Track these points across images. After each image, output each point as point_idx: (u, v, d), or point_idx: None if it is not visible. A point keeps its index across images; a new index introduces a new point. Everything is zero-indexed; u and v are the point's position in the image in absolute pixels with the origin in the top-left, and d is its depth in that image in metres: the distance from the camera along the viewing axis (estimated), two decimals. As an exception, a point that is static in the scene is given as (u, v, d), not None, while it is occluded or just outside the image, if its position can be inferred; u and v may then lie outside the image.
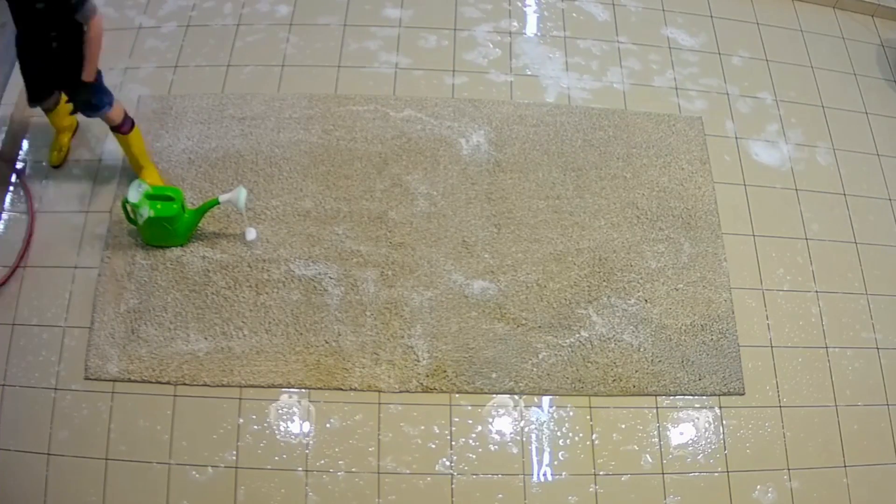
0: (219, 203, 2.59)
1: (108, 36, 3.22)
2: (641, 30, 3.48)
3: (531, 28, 3.40)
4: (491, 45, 3.32)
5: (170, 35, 3.24)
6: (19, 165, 2.90)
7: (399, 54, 3.23)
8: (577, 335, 2.70)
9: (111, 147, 2.93)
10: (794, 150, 3.22)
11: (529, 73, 3.26)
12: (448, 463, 2.48)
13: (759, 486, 2.55)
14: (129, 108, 3.01)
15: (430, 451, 2.49)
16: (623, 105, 3.24)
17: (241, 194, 2.54)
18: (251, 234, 2.70)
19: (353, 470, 2.45)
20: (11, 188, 2.86)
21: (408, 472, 2.46)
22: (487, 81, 3.21)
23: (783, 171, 3.16)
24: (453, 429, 2.53)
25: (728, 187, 3.08)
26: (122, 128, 2.62)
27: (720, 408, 2.66)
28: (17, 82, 3.01)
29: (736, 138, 3.21)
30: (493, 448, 2.52)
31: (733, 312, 2.81)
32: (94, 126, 2.98)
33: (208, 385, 2.53)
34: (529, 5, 3.47)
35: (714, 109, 3.28)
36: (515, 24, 3.40)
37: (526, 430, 2.55)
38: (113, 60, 3.16)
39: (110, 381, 2.52)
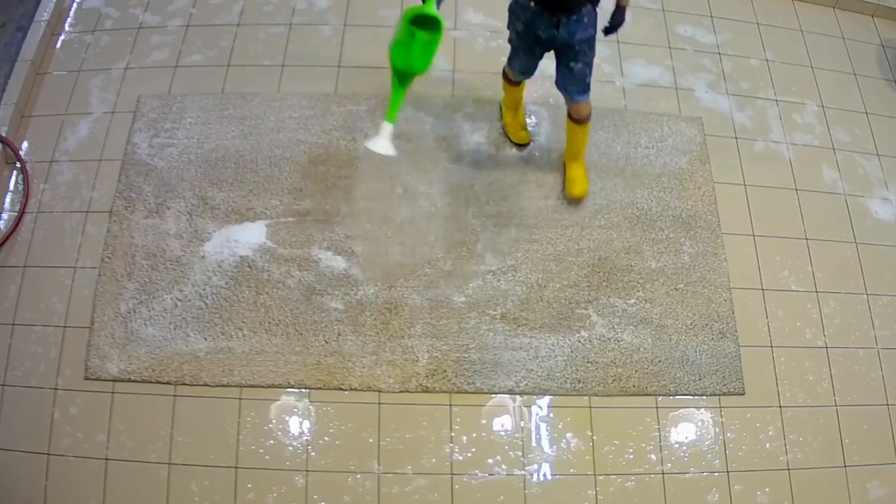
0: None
1: (108, 35, 3.26)
2: (642, 29, 3.47)
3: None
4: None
5: (170, 34, 3.24)
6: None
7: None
8: (577, 335, 2.70)
9: (112, 145, 2.93)
10: (795, 151, 3.23)
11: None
12: (448, 463, 2.48)
13: (759, 487, 2.55)
14: (128, 107, 3.04)
15: (431, 452, 2.49)
16: (623, 105, 3.24)
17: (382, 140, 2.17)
18: (379, 144, 2.18)
19: (354, 470, 2.45)
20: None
21: (408, 472, 2.46)
22: (487, 79, 3.21)
23: (783, 171, 3.16)
24: (453, 429, 2.53)
25: (728, 187, 3.08)
26: (587, 119, 2.71)
27: (720, 408, 2.66)
28: (17, 82, 3.01)
29: (736, 138, 3.21)
30: (493, 448, 2.52)
31: (733, 312, 2.81)
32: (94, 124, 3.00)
33: (208, 385, 2.53)
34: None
35: (714, 109, 3.28)
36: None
37: (526, 430, 2.56)
38: (113, 59, 3.17)
39: (110, 381, 2.52)
